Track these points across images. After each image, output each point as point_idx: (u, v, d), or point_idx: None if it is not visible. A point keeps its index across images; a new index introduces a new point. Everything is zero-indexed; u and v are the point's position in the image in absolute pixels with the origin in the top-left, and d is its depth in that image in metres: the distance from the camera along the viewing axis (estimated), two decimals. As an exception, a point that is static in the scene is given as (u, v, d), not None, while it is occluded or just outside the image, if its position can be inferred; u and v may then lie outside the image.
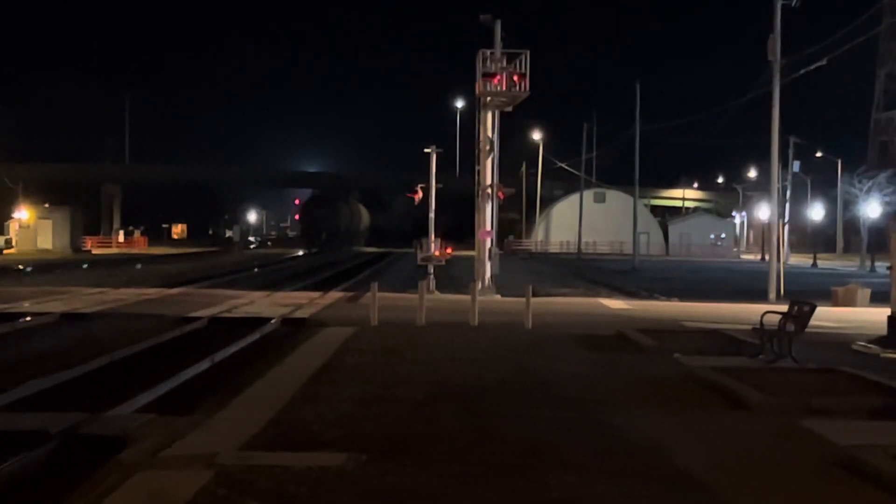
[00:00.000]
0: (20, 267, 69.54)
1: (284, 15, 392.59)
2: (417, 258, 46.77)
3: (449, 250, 47.58)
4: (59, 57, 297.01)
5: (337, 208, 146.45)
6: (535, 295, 31.96)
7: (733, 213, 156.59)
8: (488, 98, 43.90)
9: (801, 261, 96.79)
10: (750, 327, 23.63)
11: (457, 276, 53.84)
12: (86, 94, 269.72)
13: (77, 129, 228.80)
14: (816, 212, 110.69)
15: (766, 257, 62.34)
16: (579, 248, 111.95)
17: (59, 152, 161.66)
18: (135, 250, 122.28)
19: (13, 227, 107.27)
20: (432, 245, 46.15)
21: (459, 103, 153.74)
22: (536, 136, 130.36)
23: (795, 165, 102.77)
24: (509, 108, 45.01)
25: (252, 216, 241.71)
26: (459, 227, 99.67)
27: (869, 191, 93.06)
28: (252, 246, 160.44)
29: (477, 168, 44.99)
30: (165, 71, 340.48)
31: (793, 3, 44.07)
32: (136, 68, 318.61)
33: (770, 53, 44.62)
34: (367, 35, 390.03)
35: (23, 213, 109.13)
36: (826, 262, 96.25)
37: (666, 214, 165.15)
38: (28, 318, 30.38)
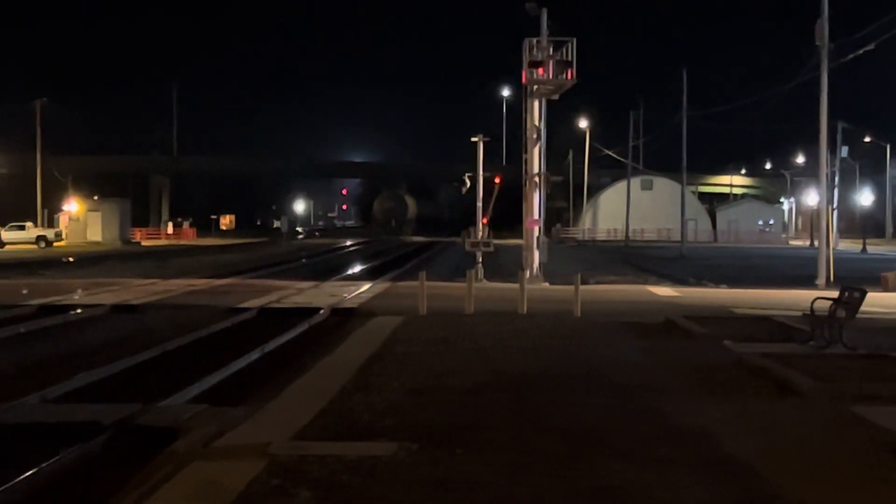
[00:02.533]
0: (70, 259, 70.07)
1: (330, 4, 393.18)
2: (466, 245, 46.76)
3: (484, 220, 47.43)
4: (107, 50, 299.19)
5: (404, 201, 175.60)
6: (583, 283, 31.93)
7: (781, 199, 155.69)
8: (535, 86, 43.89)
9: (850, 246, 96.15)
10: (800, 313, 23.52)
11: (505, 265, 53.85)
12: (133, 87, 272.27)
13: (125, 121, 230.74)
14: (865, 197, 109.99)
15: (815, 243, 61.92)
16: (627, 235, 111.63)
17: (107, 144, 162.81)
18: (183, 241, 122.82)
19: (63, 220, 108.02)
20: (480, 234, 46.16)
21: (506, 92, 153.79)
22: (583, 123, 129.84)
23: (844, 150, 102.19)
24: (556, 97, 44.97)
25: (300, 206, 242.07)
26: (507, 216, 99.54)
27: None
28: (300, 236, 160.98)
29: (524, 156, 44.97)
30: (213, 61, 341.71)
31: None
32: (184, 60, 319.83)
33: (818, 38, 44.27)
34: (414, 23, 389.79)
35: (72, 206, 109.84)
36: (875, 248, 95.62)
37: (714, 201, 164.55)
38: (79, 310, 30.64)
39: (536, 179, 44.42)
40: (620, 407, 14.97)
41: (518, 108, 47.91)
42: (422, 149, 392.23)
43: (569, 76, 43.03)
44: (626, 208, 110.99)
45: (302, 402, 14.93)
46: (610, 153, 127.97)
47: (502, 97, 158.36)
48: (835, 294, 22.45)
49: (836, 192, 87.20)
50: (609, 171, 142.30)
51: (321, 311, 30.55)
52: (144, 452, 12.20)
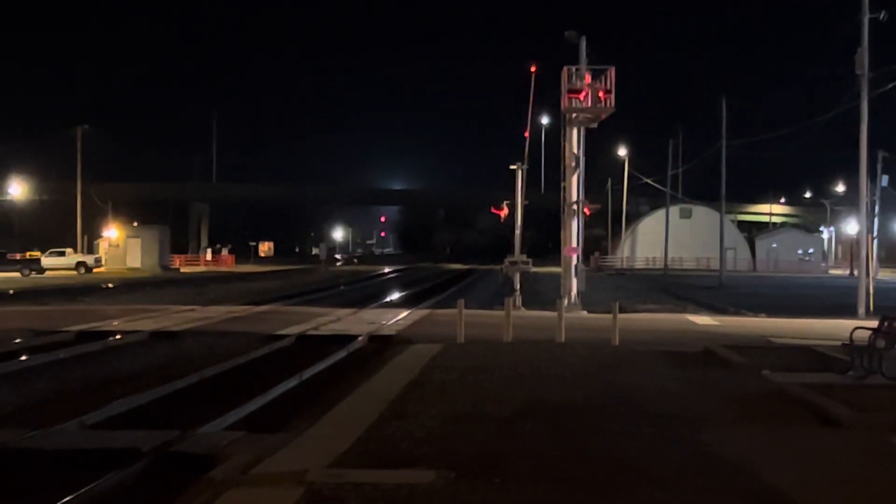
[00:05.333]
0: (109, 285, 70.40)
1: (368, 33, 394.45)
2: (503, 267, 46.59)
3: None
4: (147, 77, 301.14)
5: (458, 231, 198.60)
6: (621, 311, 31.86)
7: (821, 228, 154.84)
8: (573, 114, 43.95)
9: (890, 276, 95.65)
10: (839, 343, 23.37)
11: (543, 293, 53.77)
12: (174, 114, 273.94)
13: (166, 147, 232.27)
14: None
15: (855, 272, 61.59)
16: (665, 263, 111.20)
17: (147, 171, 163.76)
18: (222, 268, 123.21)
19: (103, 246, 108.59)
20: (517, 254, 46.23)
21: (545, 119, 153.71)
22: (622, 151, 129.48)
23: (884, 179, 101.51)
24: (594, 125, 44.99)
25: (338, 233, 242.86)
26: (545, 244, 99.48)
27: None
28: (338, 263, 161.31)
29: (562, 184, 44.98)
30: (253, 89, 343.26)
31: (881, 17, 43.62)
32: (224, 88, 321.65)
33: (858, 67, 44.07)
34: (452, 52, 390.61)
35: (112, 232, 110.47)
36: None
37: (753, 230, 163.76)
38: (119, 336, 30.77)
39: (574, 207, 44.42)
40: (659, 436, 14.91)
41: (557, 133, 47.96)
42: (460, 176, 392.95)
43: (608, 104, 43.08)
44: (665, 236, 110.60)
45: (339, 430, 14.93)
46: (649, 181, 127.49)
47: (540, 124, 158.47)
48: (874, 324, 22.31)
49: (876, 220, 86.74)
50: (648, 199, 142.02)
51: (359, 339, 30.55)
52: (182, 479, 12.22)
